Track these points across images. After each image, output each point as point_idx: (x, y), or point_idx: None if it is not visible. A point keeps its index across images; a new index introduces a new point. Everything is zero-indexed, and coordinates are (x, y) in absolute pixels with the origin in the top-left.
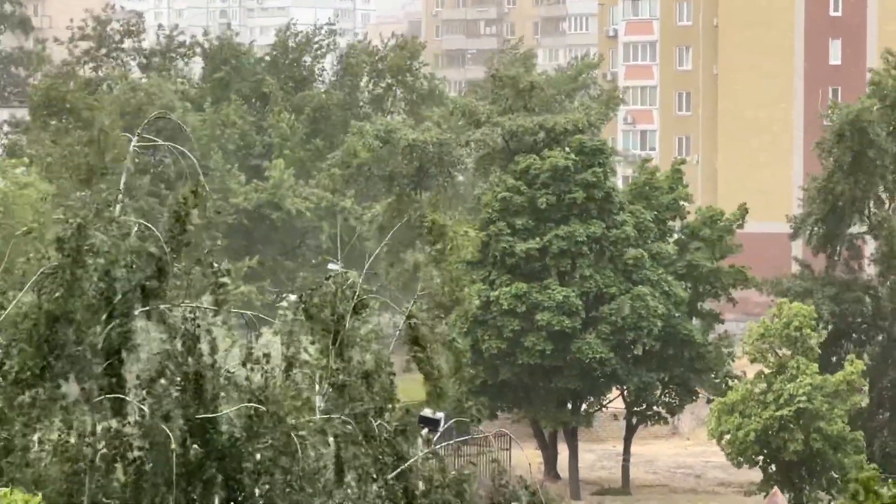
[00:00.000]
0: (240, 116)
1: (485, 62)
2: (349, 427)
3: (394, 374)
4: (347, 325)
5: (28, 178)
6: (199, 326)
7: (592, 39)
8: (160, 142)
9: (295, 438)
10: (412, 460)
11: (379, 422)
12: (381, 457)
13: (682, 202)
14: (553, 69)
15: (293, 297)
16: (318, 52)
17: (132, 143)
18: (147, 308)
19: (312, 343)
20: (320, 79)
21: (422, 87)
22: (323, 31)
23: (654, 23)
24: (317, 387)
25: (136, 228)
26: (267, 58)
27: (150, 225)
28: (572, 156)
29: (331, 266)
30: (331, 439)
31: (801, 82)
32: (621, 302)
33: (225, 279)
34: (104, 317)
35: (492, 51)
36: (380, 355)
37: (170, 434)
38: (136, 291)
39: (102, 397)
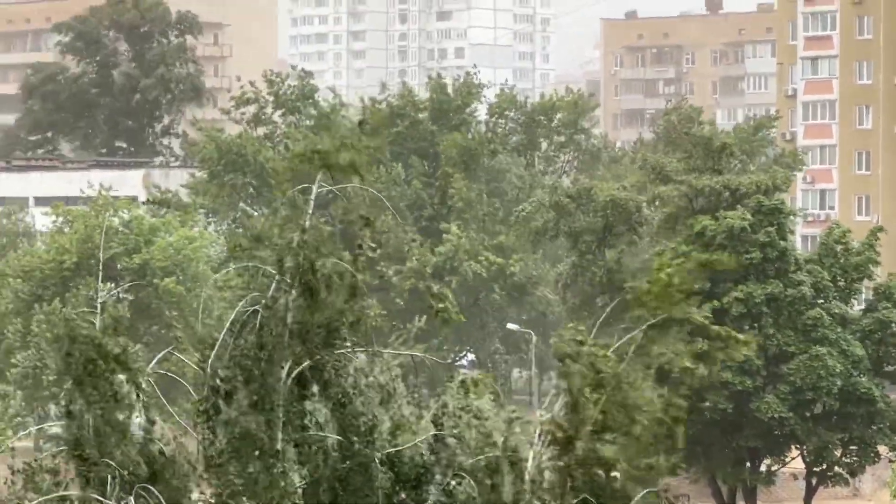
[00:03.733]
0: (415, 176)
1: (654, 120)
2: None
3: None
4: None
5: (197, 231)
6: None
7: (771, 99)
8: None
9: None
10: None
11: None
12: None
13: (871, 265)
14: (732, 128)
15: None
16: (467, 100)
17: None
18: (340, 349)
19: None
20: (473, 129)
21: (593, 146)
22: (471, 79)
23: (833, 82)
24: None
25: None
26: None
27: (347, 266)
28: (748, 216)
29: (510, 326)
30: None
31: None
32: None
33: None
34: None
35: (666, 109)
36: None
37: (377, 465)
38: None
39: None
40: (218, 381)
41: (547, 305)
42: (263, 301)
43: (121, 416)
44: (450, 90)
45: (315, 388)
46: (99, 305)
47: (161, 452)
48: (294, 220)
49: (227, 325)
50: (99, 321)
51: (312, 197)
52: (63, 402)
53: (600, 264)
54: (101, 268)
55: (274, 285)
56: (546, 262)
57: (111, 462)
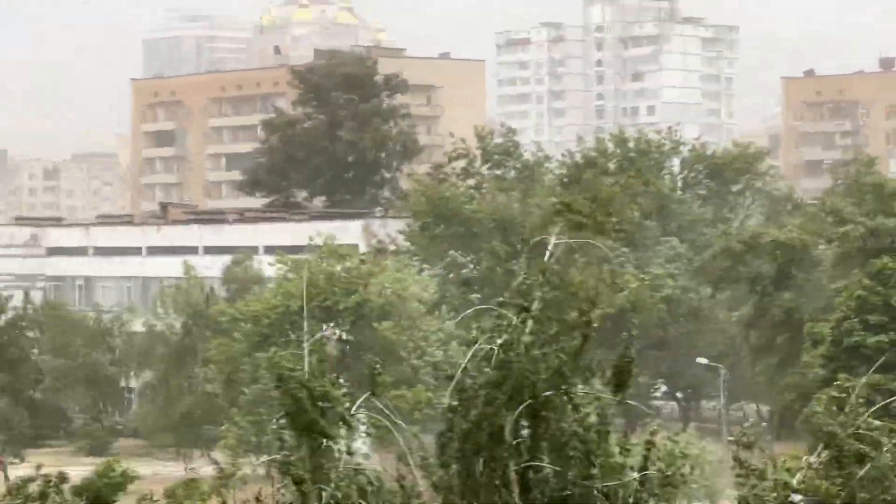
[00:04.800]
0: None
1: (830, 171)
2: None
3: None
4: None
5: (408, 275)
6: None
7: None
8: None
9: None
10: None
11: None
12: None
13: None
14: None
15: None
16: (661, 155)
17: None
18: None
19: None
20: (667, 180)
21: (774, 191)
22: (669, 135)
23: None
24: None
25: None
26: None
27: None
28: None
29: (699, 360)
30: None
31: None
32: None
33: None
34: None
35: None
36: None
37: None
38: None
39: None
40: (456, 414)
41: (731, 340)
42: (501, 341)
43: (331, 447)
44: (631, 143)
45: (540, 423)
46: (306, 348)
47: (370, 481)
48: (538, 267)
49: (464, 363)
50: (306, 362)
51: (550, 247)
52: (275, 431)
53: (778, 305)
54: (305, 314)
55: (512, 328)
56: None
57: (325, 486)
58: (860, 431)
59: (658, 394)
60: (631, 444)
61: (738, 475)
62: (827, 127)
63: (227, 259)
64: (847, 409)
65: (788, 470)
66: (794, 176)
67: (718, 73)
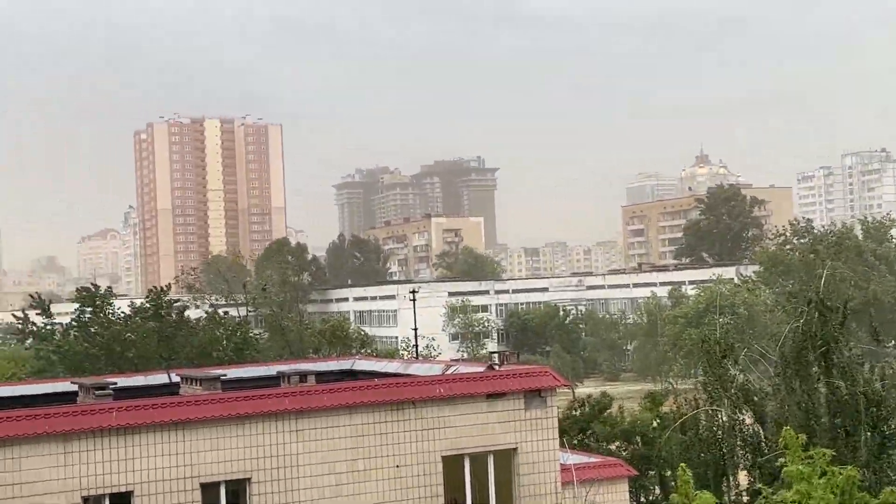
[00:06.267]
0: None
1: None
2: None
3: None
4: None
5: (759, 292)
6: None
7: None
8: None
9: None
10: None
11: None
12: None
13: None
14: None
15: None
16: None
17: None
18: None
19: None
20: None
21: None
22: None
23: None
24: None
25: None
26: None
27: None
28: None
29: None
30: None
31: None
32: None
33: None
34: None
35: None
36: None
37: None
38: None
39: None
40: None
41: None
42: (802, 321)
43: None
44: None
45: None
46: (718, 323)
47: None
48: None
49: (787, 328)
50: (718, 331)
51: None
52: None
53: None
54: (717, 310)
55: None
56: None
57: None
58: None
59: None
60: None
61: None
62: None
63: (668, 287)
64: None
65: None
66: None
67: None
